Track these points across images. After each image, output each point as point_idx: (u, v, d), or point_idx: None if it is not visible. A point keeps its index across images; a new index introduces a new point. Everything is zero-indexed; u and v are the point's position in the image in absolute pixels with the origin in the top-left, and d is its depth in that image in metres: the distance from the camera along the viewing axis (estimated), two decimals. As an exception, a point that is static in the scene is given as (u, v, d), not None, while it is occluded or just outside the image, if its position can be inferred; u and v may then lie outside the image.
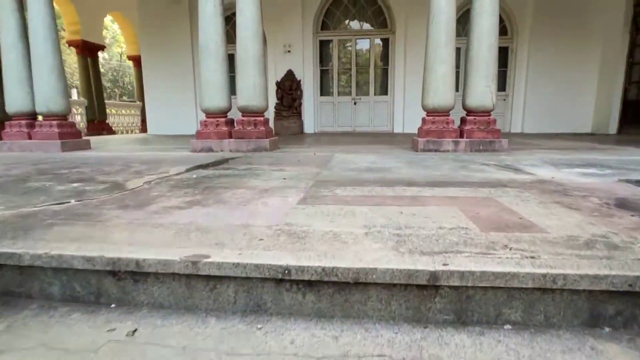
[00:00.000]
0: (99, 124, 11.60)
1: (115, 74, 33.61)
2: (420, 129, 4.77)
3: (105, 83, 34.03)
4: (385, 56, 9.66)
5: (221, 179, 2.74)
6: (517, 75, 9.34)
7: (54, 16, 5.11)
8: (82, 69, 11.11)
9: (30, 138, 5.28)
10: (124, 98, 30.97)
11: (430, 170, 3.13)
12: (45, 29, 4.98)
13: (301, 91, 9.45)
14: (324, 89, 9.94)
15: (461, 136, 4.59)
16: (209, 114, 4.91)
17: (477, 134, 4.53)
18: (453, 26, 4.39)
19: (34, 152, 5.15)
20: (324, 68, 9.86)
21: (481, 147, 4.49)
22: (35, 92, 5.14)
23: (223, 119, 4.88)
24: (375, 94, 9.72)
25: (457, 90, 4.94)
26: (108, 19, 16.52)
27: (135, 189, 2.40)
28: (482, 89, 4.44)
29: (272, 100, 9.45)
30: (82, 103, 11.15)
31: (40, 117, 5.34)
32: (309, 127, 9.79)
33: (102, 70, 32.35)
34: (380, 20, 9.45)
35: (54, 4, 5.30)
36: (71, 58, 22.22)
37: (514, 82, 9.34)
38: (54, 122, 5.20)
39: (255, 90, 4.71)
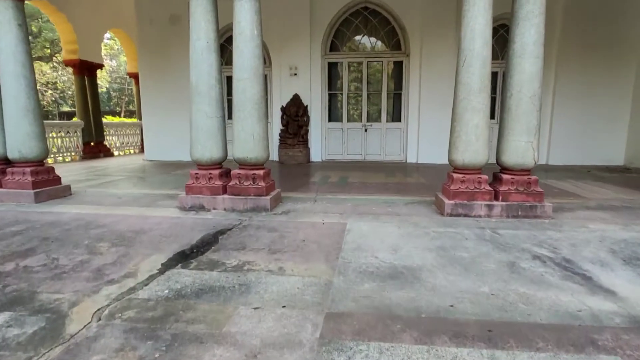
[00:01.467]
0: (95, 146, 11.07)
1: (122, 81, 33.41)
2: (446, 187, 4.07)
3: (112, 92, 33.90)
4: (398, 80, 8.99)
5: (199, 307, 2.06)
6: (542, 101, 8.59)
7: (28, 51, 4.52)
8: (78, 89, 10.61)
9: (1, 186, 4.67)
10: (131, 106, 30.73)
11: (471, 274, 2.43)
12: (16, 66, 4.38)
13: (308, 117, 8.80)
14: (333, 115, 9.30)
15: (496, 198, 3.88)
16: (200, 165, 4.26)
17: (515, 197, 3.82)
18: (488, 71, 3.70)
19: (5, 202, 4.54)
20: (333, 92, 9.22)
21: (520, 213, 3.78)
22: (6, 135, 4.54)
23: (217, 171, 4.22)
24: (387, 121, 9.05)
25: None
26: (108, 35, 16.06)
27: (73, 345, 1.73)
28: (522, 145, 3.74)
29: (277, 126, 8.84)
30: (78, 125, 10.63)
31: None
32: (315, 154, 9.13)
33: (108, 79, 32.11)
34: (394, 41, 8.80)
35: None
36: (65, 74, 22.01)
37: (539, 109, 8.59)
38: (27, 170, 4.59)
39: (254, 140, 4.06)
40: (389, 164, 8.72)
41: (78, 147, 10.61)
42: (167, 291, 2.20)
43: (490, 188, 3.89)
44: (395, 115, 9.11)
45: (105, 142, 11.72)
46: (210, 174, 4.22)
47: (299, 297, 2.12)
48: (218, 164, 4.30)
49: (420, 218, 3.83)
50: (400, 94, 8.95)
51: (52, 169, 4.93)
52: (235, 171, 4.21)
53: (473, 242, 3.09)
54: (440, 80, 8.36)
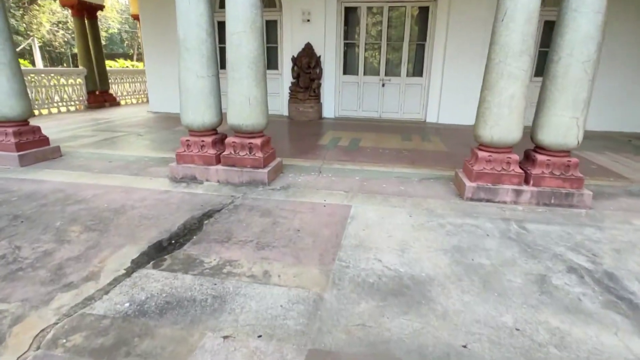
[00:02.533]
0: (100, 95, 10.66)
1: (134, 21, 32.22)
2: (468, 165, 3.54)
3: (124, 34, 32.75)
4: (423, 29, 8.05)
5: (159, 333, 1.73)
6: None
7: (0, -5, 3.96)
8: (79, 33, 9.99)
9: (-16, 147, 4.37)
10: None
11: (492, 294, 2.01)
12: (-14, 13, 3.86)
13: (321, 69, 8.09)
14: (348, 67, 8.52)
15: (526, 182, 3.36)
16: (191, 131, 3.81)
17: (550, 182, 3.28)
18: (534, 29, 3.00)
19: (-10, 164, 4.26)
20: (349, 41, 8.37)
21: (553, 201, 3.26)
22: (-17, 93, 4.14)
23: (210, 139, 3.78)
24: (407, 75, 8.25)
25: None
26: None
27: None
28: (565, 122, 3.13)
29: (287, 78, 8.19)
30: (80, 72, 10.15)
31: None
32: (328, 110, 8.52)
33: (118, 19, 30.82)
34: (421, -17, 7.73)
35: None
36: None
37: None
38: (9, 130, 4.24)
39: (251, 105, 3.55)
40: (406, 123, 8.07)
41: (82, 97, 10.22)
42: (127, 304, 1.87)
43: (520, 170, 3.35)
44: (417, 69, 8.28)
45: (111, 91, 11.29)
46: (202, 141, 3.78)
47: (280, 322, 1.76)
48: (212, 130, 3.85)
49: (435, 202, 3.36)
50: (423, 44, 8.05)
51: (38, 128, 4.57)
52: (230, 139, 3.76)
53: (496, 241, 2.64)
54: (470, 30, 7.42)
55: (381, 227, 2.82)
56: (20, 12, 24.92)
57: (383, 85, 8.34)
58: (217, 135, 3.91)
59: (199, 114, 3.66)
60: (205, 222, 2.86)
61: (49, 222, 2.80)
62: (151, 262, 2.27)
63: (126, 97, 12.24)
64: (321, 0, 7.84)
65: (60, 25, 28.33)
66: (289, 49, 8.24)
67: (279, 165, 4.04)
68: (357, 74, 8.42)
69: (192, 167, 3.78)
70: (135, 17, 12.25)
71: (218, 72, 3.75)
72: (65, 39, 28.35)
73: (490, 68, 3.19)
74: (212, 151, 3.78)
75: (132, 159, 4.67)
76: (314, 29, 8.02)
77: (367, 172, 4.22)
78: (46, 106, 9.28)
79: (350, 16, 8.25)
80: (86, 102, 10.32)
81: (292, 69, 8.11)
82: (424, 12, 7.90)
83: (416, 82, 8.24)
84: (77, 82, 10.14)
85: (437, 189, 3.70)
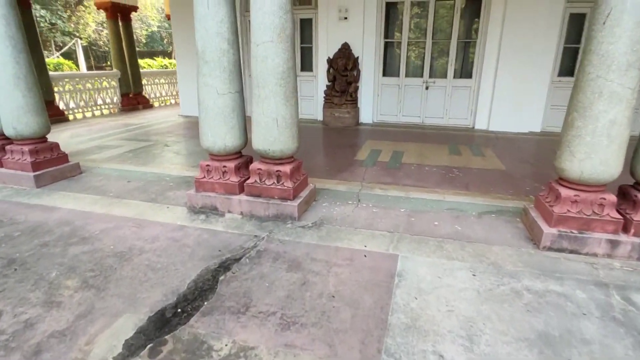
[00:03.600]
0: (134, 98, 10.58)
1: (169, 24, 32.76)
2: (544, 204, 2.84)
3: (163, 32, 33.36)
4: (473, 26, 7.21)
5: None
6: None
7: (14, 4, 3.65)
8: (113, 36, 9.89)
9: (2, 166, 4.13)
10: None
11: None
12: (1, 26, 3.56)
13: (358, 71, 7.46)
14: (388, 68, 7.84)
15: (624, 230, 2.62)
16: (212, 155, 3.35)
17: (659, 232, 2.53)
18: (649, 35, 2.26)
19: (7, 184, 4.02)
20: (390, 40, 7.67)
21: (663, 256, 2.52)
22: (-1, 109, 3.88)
23: (232, 164, 3.30)
24: (454, 77, 7.45)
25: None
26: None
27: None
28: (687, 157, 2.37)
29: (322, 80, 7.64)
30: (114, 75, 10.08)
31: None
32: (366, 115, 7.89)
33: (158, 18, 31.35)
34: (473, -26, 6.89)
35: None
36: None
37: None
38: (26, 149, 3.97)
39: (279, 127, 3.02)
40: (452, 130, 7.30)
41: (115, 99, 10.16)
42: None
43: (617, 215, 2.62)
44: (465, 70, 7.46)
45: (145, 93, 11.20)
46: (224, 167, 3.30)
47: None
48: (235, 154, 3.36)
49: (503, 251, 2.70)
50: (474, 43, 7.21)
51: (57, 145, 4.29)
52: (255, 165, 3.25)
53: (596, 324, 1.97)
54: (529, 27, 6.53)
55: (438, 293, 2.21)
56: (68, 13, 25.88)
57: (427, 88, 7.59)
58: (241, 158, 3.42)
59: (220, 137, 3.18)
60: (221, 277, 2.36)
61: (44, 272, 2.42)
62: (148, 347, 1.79)
63: (160, 99, 12.15)
64: (360, -4, 7.18)
65: (105, 24, 29.23)
66: (324, 50, 7.66)
67: (312, 193, 3.50)
68: (398, 76, 7.71)
69: (212, 196, 3.32)
70: (169, 18, 12.09)
71: (242, 88, 3.25)
72: (109, 38, 29.27)
73: (582, 84, 2.47)
74: (234, 178, 3.29)
75: (153, 178, 4.29)
76: (352, 27, 7.39)
77: (414, 202, 3.59)
78: (80, 110, 9.25)
79: (391, 12, 7.55)
80: (120, 105, 10.26)
81: (328, 71, 7.53)
82: (475, 6, 7.06)
83: (464, 85, 7.42)
84: (111, 85, 10.08)
85: (501, 230, 3.03)
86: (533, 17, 6.50)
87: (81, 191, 3.89)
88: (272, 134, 3.03)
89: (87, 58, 25.70)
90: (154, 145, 6.02)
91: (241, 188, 3.32)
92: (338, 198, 3.67)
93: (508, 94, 6.96)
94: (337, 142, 6.26)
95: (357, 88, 7.51)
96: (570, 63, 6.94)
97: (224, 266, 2.50)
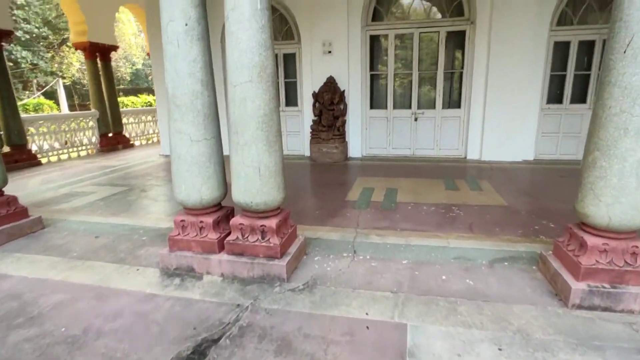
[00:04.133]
0: (114, 137, 10.19)
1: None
2: (568, 253, 2.50)
3: (147, 69, 33.41)
4: (459, 56, 7.13)
5: None
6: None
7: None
8: (91, 76, 9.60)
9: (-51, 226, 3.65)
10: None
11: None
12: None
13: (345, 105, 7.25)
14: (375, 101, 7.66)
15: (664, 282, 2.28)
16: (187, 209, 2.95)
17: None
18: (677, 64, 2.01)
19: (-45, 246, 3.52)
20: (376, 72, 7.54)
21: None
22: (-53, 161, 3.45)
23: (211, 218, 2.90)
24: (443, 107, 7.29)
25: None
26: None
27: None
28: None
29: (308, 115, 7.39)
30: (92, 115, 9.73)
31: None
32: (355, 149, 7.62)
33: (142, 56, 31.39)
34: (455, 5, 6.89)
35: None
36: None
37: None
38: (-24, 206, 3.50)
39: (262, 177, 2.66)
40: (444, 161, 7.06)
41: (94, 140, 9.75)
42: None
43: (654, 265, 2.29)
44: (454, 100, 7.33)
45: (125, 132, 10.84)
46: (201, 222, 2.90)
47: None
48: (213, 207, 2.97)
49: (527, 312, 2.32)
50: (461, 73, 7.11)
51: (14, 199, 3.83)
52: (236, 220, 2.86)
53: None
54: (516, 54, 6.47)
55: (462, 379, 1.80)
56: (51, 54, 25.72)
57: (416, 119, 7.40)
58: (220, 211, 3.03)
59: (195, 189, 2.80)
60: (193, 372, 1.92)
61: (-29, 373, 1.93)
62: None
63: (140, 138, 11.77)
64: (343, 30, 7.08)
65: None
66: (309, 84, 7.46)
67: (302, 246, 3.10)
68: (386, 108, 7.52)
69: (188, 255, 2.89)
70: (150, 55, 11.93)
71: (219, 132, 2.91)
72: (87, 78, 29.09)
73: (603, 120, 2.19)
74: (213, 235, 2.89)
75: (125, 231, 3.85)
76: (336, 60, 7.24)
77: (416, 250, 3.22)
78: (55, 153, 8.80)
79: (376, 45, 7.45)
80: (98, 145, 9.85)
81: (314, 105, 7.30)
82: (459, 37, 7.00)
83: (454, 115, 7.26)
84: (89, 126, 9.70)
85: (519, 283, 2.66)
86: (518, 46, 6.44)
87: (40, 252, 3.42)
88: (254, 185, 2.66)
89: (70, 97, 25.39)
90: (130, 190, 5.58)
91: (221, 246, 2.91)
92: (331, 249, 3.28)
93: (499, 123, 6.80)
94: (326, 179, 5.92)
95: (344, 122, 7.28)
96: (557, 90, 6.86)
97: (199, 351, 2.05)
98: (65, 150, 9.04)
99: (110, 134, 10.08)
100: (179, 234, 2.96)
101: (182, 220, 2.95)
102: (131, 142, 10.81)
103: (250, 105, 2.52)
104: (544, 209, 4.25)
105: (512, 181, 5.52)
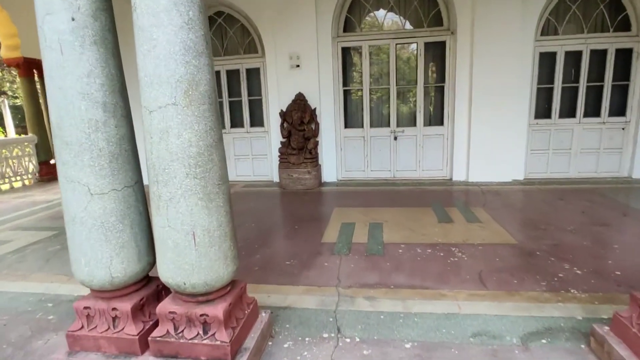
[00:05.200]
0: (54, 166, 8.90)
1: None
2: (622, 319, 1.74)
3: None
4: (440, 69, 6.54)
5: None
6: (649, 91, 6.09)
7: None
8: (27, 95, 8.43)
9: None
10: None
11: None
12: None
13: (317, 124, 6.46)
14: (350, 118, 6.94)
15: None
16: (94, 291, 2.01)
17: None
18: None
19: None
20: (350, 88, 6.83)
21: None
22: None
23: (128, 304, 1.97)
24: (425, 124, 6.64)
25: None
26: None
27: None
28: None
29: (275, 136, 6.56)
30: (31, 140, 8.49)
31: None
32: (329, 174, 6.83)
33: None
34: (433, 13, 6.32)
35: None
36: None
37: (646, 102, 6.08)
38: None
39: (198, 245, 1.78)
40: (429, 184, 6.37)
41: (31, 169, 8.50)
42: None
43: None
44: (436, 117, 6.70)
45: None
46: (114, 310, 1.96)
47: None
48: (133, 285, 2.04)
49: None
50: (442, 87, 6.51)
51: None
52: (165, 306, 1.94)
53: None
54: (501, 66, 5.93)
55: None
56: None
57: (395, 138, 6.71)
58: (145, 289, 2.10)
59: (102, 263, 1.88)
60: None
61: None
62: None
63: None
64: (312, 41, 6.34)
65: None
66: (275, 102, 6.65)
67: (265, 330, 2.21)
68: (362, 127, 6.80)
69: (96, 357, 1.94)
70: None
71: (141, 177, 2.01)
72: (22, 98, 27.17)
73: None
74: (133, 329, 1.95)
75: (29, 305, 2.83)
76: (306, 75, 6.47)
77: (420, 324, 2.40)
78: (-21, 187, 7.50)
79: (348, 57, 6.77)
80: (37, 175, 8.58)
81: (282, 125, 6.48)
82: (439, 48, 6.41)
83: (436, 133, 6.62)
84: (26, 152, 8.45)
85: (575, 379, 1.87)
86: (503, 57, 5.91)
87: None
88: (187, 259, 1.77)
89: (22, 118, 23.49)
90: (58, 236, 4.51)
91: (144, 344, 1.97)
92: (307, 326, 2.40)
93: (485, 140, 6.21)
94: (297, 213, 5.06)
95: (316, 143, 6.48)
96: (545, 104, 6.37)
97: None
98: (-5, 183, 7.76)
99: (52, 161, 8.85)
100: (82, 327, 2.00)
101: (86, 308, 2.00)
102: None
103: (174, 140, 1.65)
104: (558, 246, 3.56)
105: (510, 208, 4.86)
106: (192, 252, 1.76)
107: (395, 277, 3.06)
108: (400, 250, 3.59)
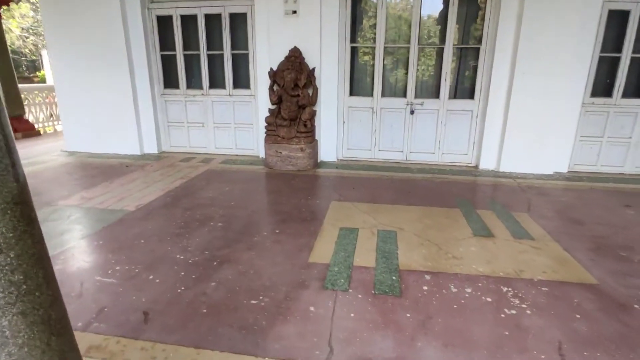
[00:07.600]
0: (12, 124, 7.50)
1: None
2: None
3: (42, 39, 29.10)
4: (475, 27, 5.11)
5: None
6: None
7: None
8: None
9: None
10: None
11: None
12: None
13: (315, 89, 5.11)
14: (357, 84, 5.57)
15: None
16: None
17: None
18: None
19: None
20: (360, 45, 5.42)
21: None
22: None
23: None
24: (450, 97, 5.29)
25: None
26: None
27: None
28: None
29: (262, 103, 5.25)
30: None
31: None
32: (328, 151, 5.55)
33: (19, 31, 26.43)
34: (476, -50, 4.79)
35: None
36: None
37: None
38: None
39: None
40: (449, 171, 5.12)
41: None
42: None
43: None
44: (464, 88, 5.34)
45: (31, 117, 8.28)
46: None
47: None
48: None
49: None
50: (477, 50, 5.11)
51: None
52: None
53: None
54: (558, 27, 4.56)
55: None
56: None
57: (412, 112, 5.38)
58: None
59: None
60: None
61: None
62: None
63: (43, 123, 8.92)
64: (314, -20, 4.87)
65: (31, 30, 25.22)
66: (264, 57, 5.26)
67: None
68: (372, 96, 5.44)
69: None
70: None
71: None
72: (36, 44, 25.10)
73: None
74: None
75: None
76: (304, 25, 5.05)
77: None
78: None
79: (360, 5, 5.30)
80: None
81: (271, 88, 5.13)
82: (473, 5, 4.96)
83: (464, 108, 5.29)
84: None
85: None
86: (561, 14, 4.50)
87: None
88: None
89: (16, 67, 21.54)
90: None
91: None
92: None
93: (527, 121, 4.89)
94: (282, 206, 3.83)
95: (313, 113, 5.15)
96: (606, 79, 5.00)
97: None
98: None
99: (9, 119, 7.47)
100: None
101: None
102: (38, 130, 8.23)
103: None
104: (663, 293, 2.37)
105: (565, 216, 3.64)
106: None
107: (422, 347, 1.87)
108: (426, 288, 2.39)
